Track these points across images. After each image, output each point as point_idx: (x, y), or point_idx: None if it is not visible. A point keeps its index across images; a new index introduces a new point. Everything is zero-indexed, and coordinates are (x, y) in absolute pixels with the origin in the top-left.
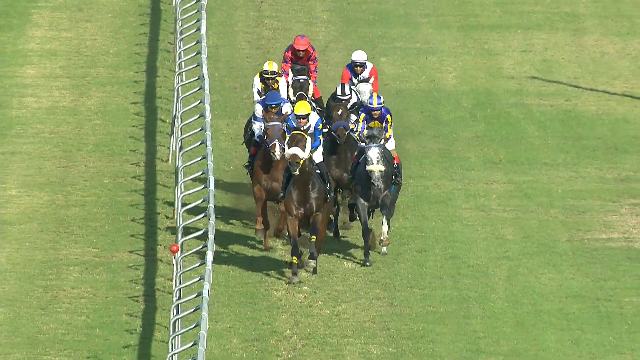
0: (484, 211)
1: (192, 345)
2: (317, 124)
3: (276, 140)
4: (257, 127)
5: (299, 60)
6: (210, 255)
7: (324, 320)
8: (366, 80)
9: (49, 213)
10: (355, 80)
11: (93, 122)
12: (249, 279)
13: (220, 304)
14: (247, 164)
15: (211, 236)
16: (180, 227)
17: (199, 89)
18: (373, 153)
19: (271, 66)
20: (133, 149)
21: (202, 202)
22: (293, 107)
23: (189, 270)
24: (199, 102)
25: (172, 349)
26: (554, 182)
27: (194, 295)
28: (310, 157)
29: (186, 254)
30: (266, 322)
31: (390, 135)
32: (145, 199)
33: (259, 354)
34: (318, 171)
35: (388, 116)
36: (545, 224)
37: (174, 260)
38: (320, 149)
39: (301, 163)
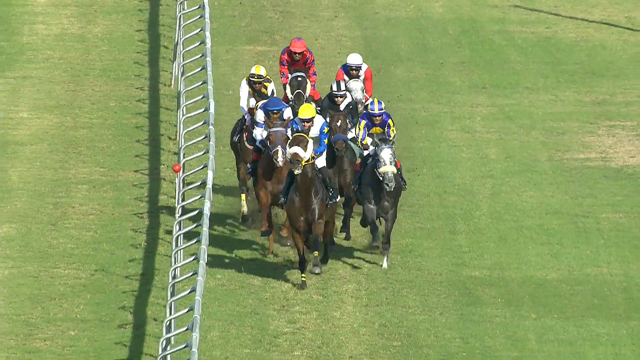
0: (468, 132)
1: (192, 260)
2: (322, 128)
3: (279, 146)
4: (259, 132)
5: (295, 64)
6: (210, 175)
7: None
8: (357, 77)
9: (58, 134)
10: (343, 84)
11: (100, 49)
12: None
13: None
14: (249, 170)
15: (211, 157)
16: (183, 147)
17: (199, 18)
18: (386, 154)
19: (258, 70)
20: (137, 74)
21: (203, 124)
22: (291, 105)
23: (190, 188)
24: (199, 29)
25: (174, 263)
26: (534, 105)
27: (195, 212)
28: (313, 163)
29: (188, 173)
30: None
31: (394, 137)
32: (149, 121)
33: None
34: (321, 176)
35: (390, 121)
36: (526, 145)
37: (176, 179)
38: (324, 155)
39: (302, 162)
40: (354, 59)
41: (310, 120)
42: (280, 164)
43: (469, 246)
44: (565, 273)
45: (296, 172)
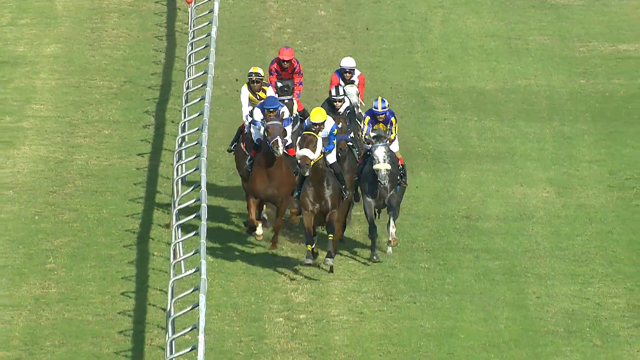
0: None
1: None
2: (332, 129)
3: (278, 136)
4: (256, 130)
5: (284, 72)
6: (214, 31)
7: None
8: (352, 82)
9: None
10: (342, 83)
11: None
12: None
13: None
14: (247, 166)
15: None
16: None
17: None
18: (379, 152)
19: (256, 69)
20: None
21: (209, 13)
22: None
23: (197, 40)
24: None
25: (187, 75)
26: None
27: (205, 35)
28: (324, 157)
29: (199, 4)
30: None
31: (394, 137)
32: None
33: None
34: (333, 171)
35: (392, 119)
36: None
37: (189, 8)
38: (334, 152)
39: (311, 165)
40: (347, 62)
41: (322, 123)
42: (280, 153)
43: (424, 63)
44: (500, 84)
45: (306, 174)
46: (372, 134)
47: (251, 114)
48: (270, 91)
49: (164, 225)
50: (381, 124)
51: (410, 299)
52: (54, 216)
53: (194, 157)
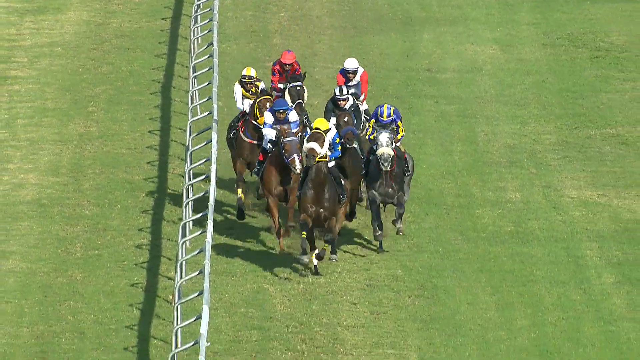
0: None
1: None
2: (334, 138)
3: (295, 154)
4: (268, 132)
5: (285, 74)
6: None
7: None
8: (358, 96)
9: None
10: (345, 88)
11: None
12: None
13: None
14: (256, 170)
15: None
16: None
17: None
18: (383, 137)
19: (249, 71)
20: None
21: None
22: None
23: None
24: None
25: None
26: None
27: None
28: (327, 161)
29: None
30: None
31: (402, 136)
32: None
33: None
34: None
35: (399, 122)
36: None
37: None
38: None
39: (317, 158)
40: (350, 63)
41: (325, 131)
42: (298, 171)
43: None
44: None
45: (312, 162)
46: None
47: (245, 105)
48: (261, 86)
49: (184, 76)
50: (387, 124)
51: None
52: (94, 69)
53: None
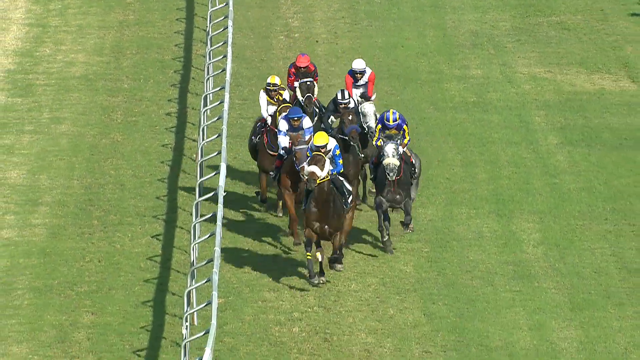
0: None
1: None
2: (334, 150)
3: (305, 163)
4: (283, 140)
5: (300, 77)
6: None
7: None
8: (368, 99)
9: None
10: (355, 90)
11: None
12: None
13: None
14: (272, 175)
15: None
16: None
17: None
18: (389, 148)
19: (273, 79)
20: None
21: None
22: (301, 105)
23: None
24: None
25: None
26: None
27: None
28: (330, 179)
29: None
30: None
31: (408, 141)
32: None
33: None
34: (335, 189)
35: (405, 126)
36: None
37: None
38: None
39: (318, 181)
40: (358, 64)
41: (324, 146)
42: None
43: None
44: None
45: (310, 187)
46: (384, 134)
47: (270, 112)
48: (286, 94)
49: None
50: (393, 129)
51: None
52: None
53: None
